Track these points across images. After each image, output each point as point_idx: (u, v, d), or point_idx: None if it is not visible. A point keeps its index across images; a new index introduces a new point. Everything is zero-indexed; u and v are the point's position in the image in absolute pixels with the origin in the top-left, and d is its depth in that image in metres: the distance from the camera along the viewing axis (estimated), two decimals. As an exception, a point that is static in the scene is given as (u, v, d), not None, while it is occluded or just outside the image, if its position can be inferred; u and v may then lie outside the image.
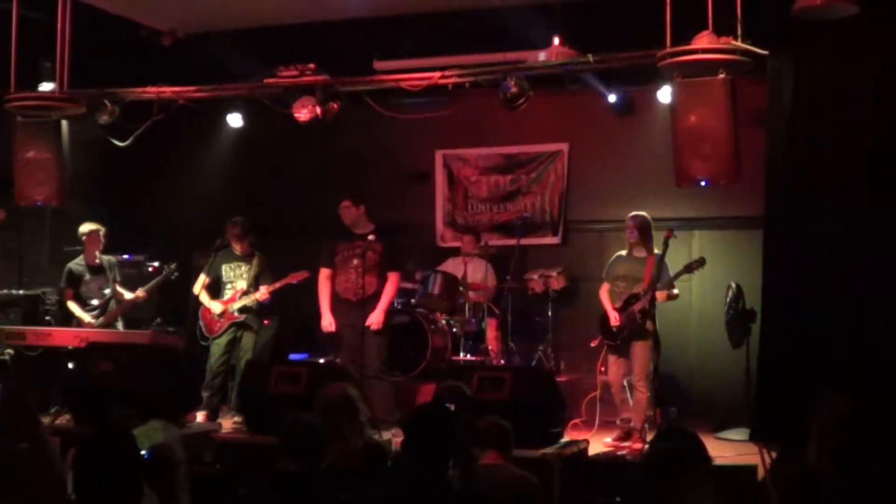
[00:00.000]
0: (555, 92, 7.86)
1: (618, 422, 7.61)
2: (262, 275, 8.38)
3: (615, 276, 7.63)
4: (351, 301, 7.67)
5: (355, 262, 7.66)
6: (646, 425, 7.31)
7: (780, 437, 6.36)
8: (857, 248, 6.58)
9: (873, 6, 6.08)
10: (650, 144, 8.82)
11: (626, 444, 7.25)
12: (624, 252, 7.67)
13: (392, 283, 7.76)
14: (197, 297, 8.37)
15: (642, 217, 7.59)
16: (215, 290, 8.38)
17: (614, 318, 7.43)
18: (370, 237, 7.70)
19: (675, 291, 7.32)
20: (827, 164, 6.71)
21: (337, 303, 7.79)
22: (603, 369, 7.92)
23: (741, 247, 8.76)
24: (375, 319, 7.61)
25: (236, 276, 8.35)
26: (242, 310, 8.27)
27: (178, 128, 8.98)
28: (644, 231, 7.52)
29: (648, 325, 7.35)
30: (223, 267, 8.37)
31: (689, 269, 7.37)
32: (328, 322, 7.77)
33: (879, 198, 6.57)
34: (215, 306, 8.27)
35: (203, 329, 8.34)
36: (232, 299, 8.28)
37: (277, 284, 8.27)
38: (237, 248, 8.38)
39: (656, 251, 7.50)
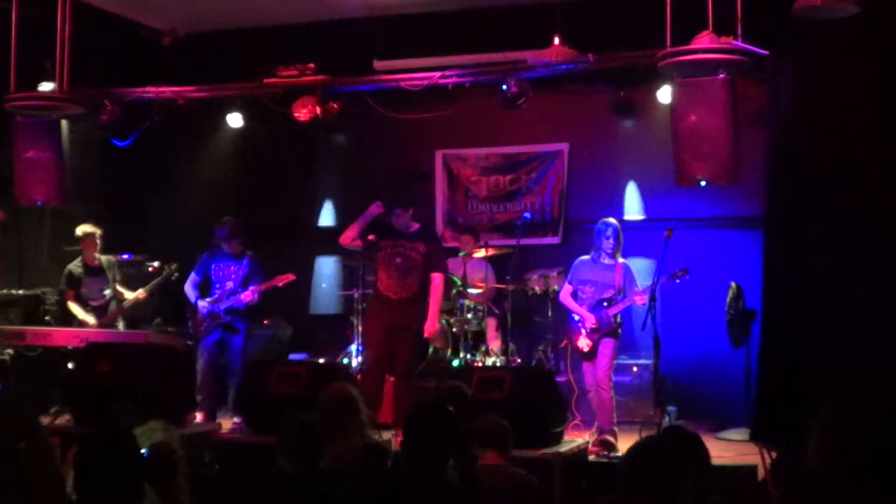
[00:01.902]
0: (555, 92, 7.88)
1: (594, 429, 7.54)
2: (253, 275, 8.32)
3: (581, 281, 7.53)
4: (390, 299, 7.55)
5: (398, 260, 7.53)
6: (615, 428, 7.24)
7: (780, 437, 6.35)
8: (857, 247, 6.57)
9: (873, 6, 6.07)
10: (650, 144, 8.81)
11: (604, 451, 7.10)
12: (587, 257, 7.57)
13: (436, 285, 7.58)
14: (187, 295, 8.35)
15: (618, 225, 7.52)
16: (205, 289, 8.36)
17: (591, 321, 7.38)
18: (410, 237, 7.59)
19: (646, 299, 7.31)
20: (827, 164, 6.70)
21: (377, 300, 7.68)
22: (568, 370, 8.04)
23: (741, 247, 8.76)
24: (430, 328, 7.52)
25: (225, 276, 8.29)
26: (229, 311, 8.24)
27: (178, 128, 8.99)
28: (620, 239, 7.47)
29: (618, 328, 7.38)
30: (213, 266, 8.33)
31: (672, 277, 7.31)
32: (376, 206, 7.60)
33: (879, 198, 6.56)
34: (202, 306, 8.26)
35: (190, 329, 8.32)
36: (219, 300, 8.22)
37: (264, 286, 8.22)
38: (227, 249, 8.32)
39: (621, 260, 7.44)
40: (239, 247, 8.34)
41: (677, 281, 7.34)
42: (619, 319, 7.38)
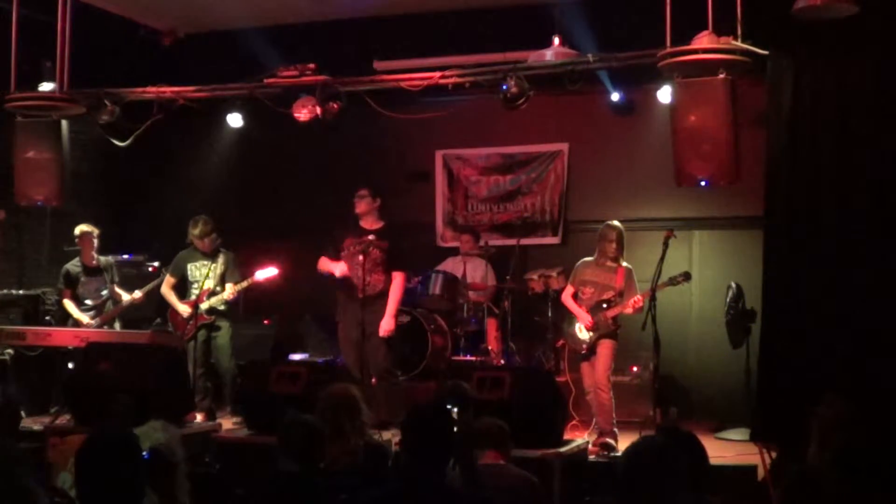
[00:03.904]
0: (555, 92, 7.87)
1: (592, 427, 7.52)
2: (230, 272, 8.29)
3: (582, 282, 7.50)
4: (357, 298, 7.52)
5: (360, 258, 7.50)
6: (615, 429, 7.22)
7: (780, 437, 6.36)
8: (858, 248, 6.57)
9: (873, 6, 6.08)
10: (650, 144, 8.81)
11: (604, 452, 7.03)
12: (590, 258, 7.53)
13: (397, 284, 7.60)
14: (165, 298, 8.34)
15: (621, 228, 7.47)
16: (183, 289, 8.33)
17: (587, 321, 7.34)
18: (375, 234, 7.59)
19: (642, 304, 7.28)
20: (827, 164, 6.71)
21: (344, 299, 7.66)
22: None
23: (741, 247, 8.76)
24: (386, 327, 7.48)
25: (202, 276, 8.23)
26: (210, 311, 8.20)
27: (178, 128, 8.99)
28: (623, 242, 7.43)
29: (618, 329, 7.31)
30: (188, 266, 8.29)
31: (672, 282, 7.28)
32: (340, 269, 7.59)
33: (879, 198, 6.57)
34: (182, 308, 8.21)
35: (172, 332, 8.29)
36: (199, 300, 8.16)
37: (244, 284, 8.20)
38: (200, 247, 8.26)
39: (624, 264, 7.40)
40: (212, 244, 8.29)
41: (675, 284, 7.31)
42: (619, 321, 7.35)
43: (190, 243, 8.31)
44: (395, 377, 7.74)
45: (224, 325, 8.26)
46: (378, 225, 7.70)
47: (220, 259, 8.29)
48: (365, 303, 7.48)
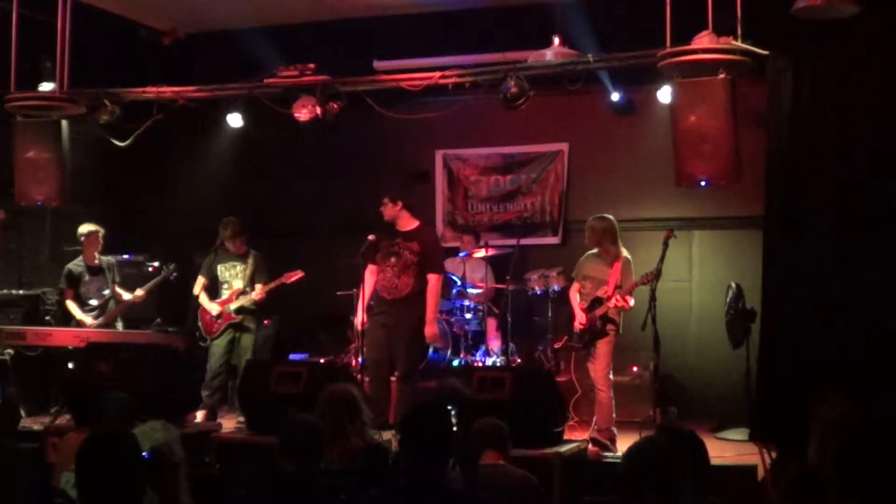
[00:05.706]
0: (555, 92, 7.87)
1: (592, 427, 7.50)
2: (258, 273, 8.34)
3: (584, 276, 7.45)
4: (385, 299, 7.55)
5: (392, 260, 7.52)
6: (613, 428, 7.19)
7: (780, 437, 6.36)
8: (857, 247, 6.57)
9: (873, 6, 6.08)
10: (650, 144, 8.82)
11: (606, 452, 7.01)
12: (595, 251, 7.45)
13: (433, 286, 7.52)
14: (197, 298, 8.38)
15: (611, 219, 7.37)
16: (213, 290, 8.38)
17: (581, 319, 7.30)
18: (406, 236, 7.55)
19: (632, 302, 7.20)
20: (827, 164, 6.71)
21: (375, 300, 7.67)
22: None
23: (741, 247, 8.76)
24: (429, 332, 7.48)
25: (232, 276, 8.32)
26: (239, 310, 8.25)
27: (178, 128, 9.00)
28: (610, 234, 7.32)
29: (609, 327, 7.22)
30: (219, 267, 8.36)
31: (642, 280, 7.16)
32: (360, 321, 7.64)
33: (879, 197, 6.57)
34: (213, 307, 8.26)
35: (202, 330, 8.33)
36: (229, 300, 8.26)
37: (272, 285, 8.26)
38: (231, 248, 8.33)
39: (624, 254, 7.34)
40: (243, 245, 8.36)
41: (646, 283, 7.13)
42: (616, 320, 7.29)
43: (220, 244, 8.35)
44: (414, 381, 7.68)
45: (251, 326, 8.34)
46: (411, 226, 7.64)
47: (250, 260, 8.37)
48: (393, 305, 7.50)
